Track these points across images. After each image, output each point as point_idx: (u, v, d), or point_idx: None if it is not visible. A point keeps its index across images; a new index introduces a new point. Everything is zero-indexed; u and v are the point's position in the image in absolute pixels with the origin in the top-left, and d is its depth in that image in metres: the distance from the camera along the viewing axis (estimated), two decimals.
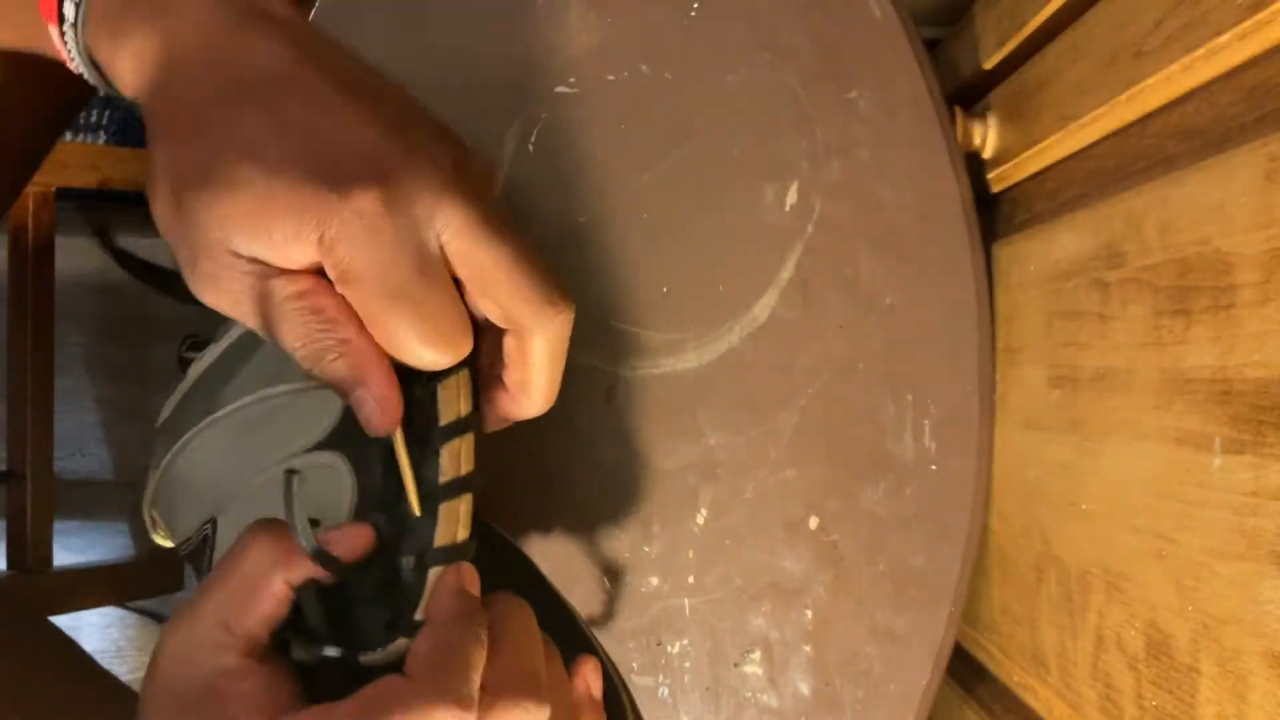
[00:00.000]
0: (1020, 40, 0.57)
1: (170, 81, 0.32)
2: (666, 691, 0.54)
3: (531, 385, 0.36)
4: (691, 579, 0.54)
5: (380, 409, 0.32)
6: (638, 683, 0.54)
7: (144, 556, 1.20)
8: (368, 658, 0.32)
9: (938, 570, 0.55)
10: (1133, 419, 0.43)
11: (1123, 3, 0.46)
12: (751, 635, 0.54)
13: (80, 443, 1.19)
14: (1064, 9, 0.51)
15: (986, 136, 0.60)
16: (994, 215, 0.61)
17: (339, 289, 0.31)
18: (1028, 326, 0.55)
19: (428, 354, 0.32)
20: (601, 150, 0.52)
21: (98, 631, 1.20)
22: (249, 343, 0.42)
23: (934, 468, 0.55)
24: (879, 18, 0.54)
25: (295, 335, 0.31)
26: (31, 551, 0.98)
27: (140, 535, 1.20)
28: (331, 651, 0.32)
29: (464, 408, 0.34)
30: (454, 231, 0.31)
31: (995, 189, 0.61)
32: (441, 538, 0.32)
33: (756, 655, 0.54)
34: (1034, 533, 0.53)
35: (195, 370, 0.43)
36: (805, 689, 0.54)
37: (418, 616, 0.31)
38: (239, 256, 0.30)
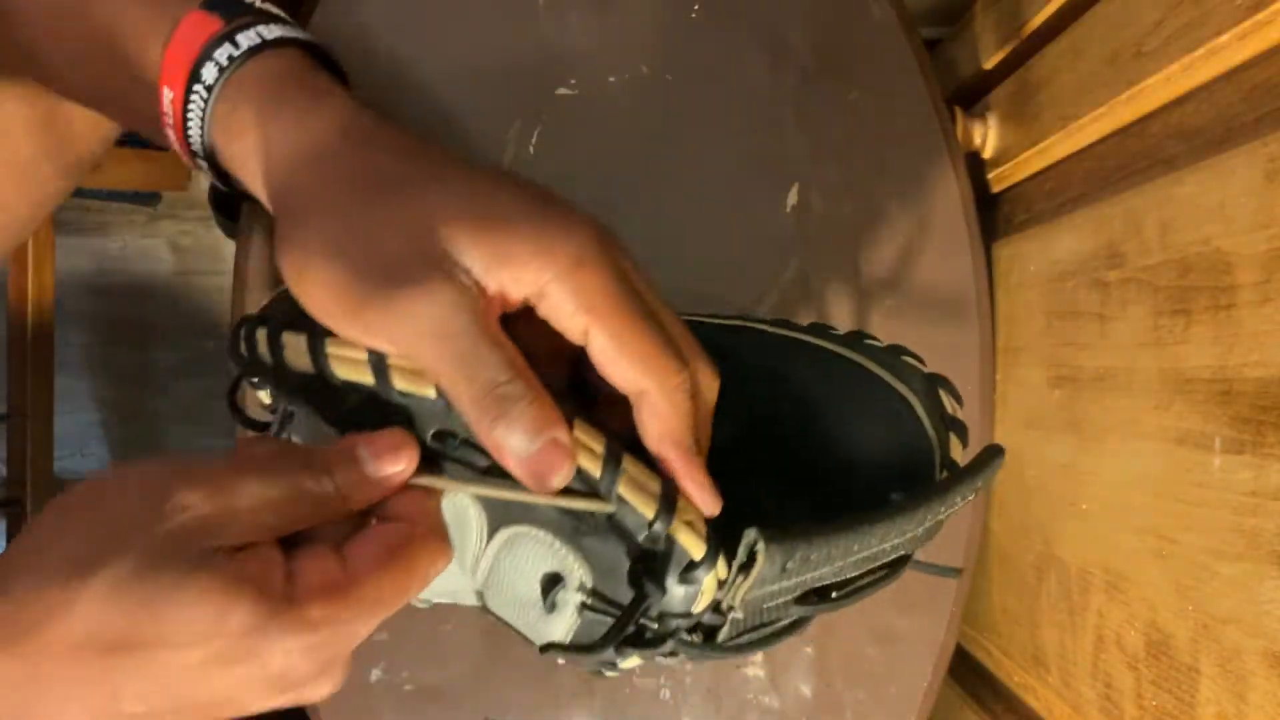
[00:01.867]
0: (1020, 40, 0.57)
1: (322, 158, 0.32)
2: (668, 693, 0.54)
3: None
4: None
5: (566, 451, 0.29)
6: (639, 684, 0.54)
7: None
8: None
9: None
10: (1133, 419, 0.43)
11: (1123, 3, 0.46)
12: None
13: (80, 443, 1.19)
14: (1064, 9, 0.51)
15: (986, 136, 0.60)
16: (994, 215, 0.61)
17: (575, 319, 0.30)
18: (1028, 326, 0.55)
19: (666, 372, 0.30)
20: (602, 152, 0.52)
21: None
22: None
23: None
24: (879, 18, 0.54)
25: (485, 377, 0.29)
26: None
27: None
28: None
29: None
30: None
31: (995, 189, 0.61)
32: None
33: (758, 657, 0.54)
34: (1034, 533, 0.53)
35: None
36: (806, 690, 0.54)
37: None
38: (454, 264, 0.29)
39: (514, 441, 0.29)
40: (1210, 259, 0.38)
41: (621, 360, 0.30)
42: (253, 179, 0.33)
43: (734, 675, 0.54)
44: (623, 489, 0.30)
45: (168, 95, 0.33)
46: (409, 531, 0.29)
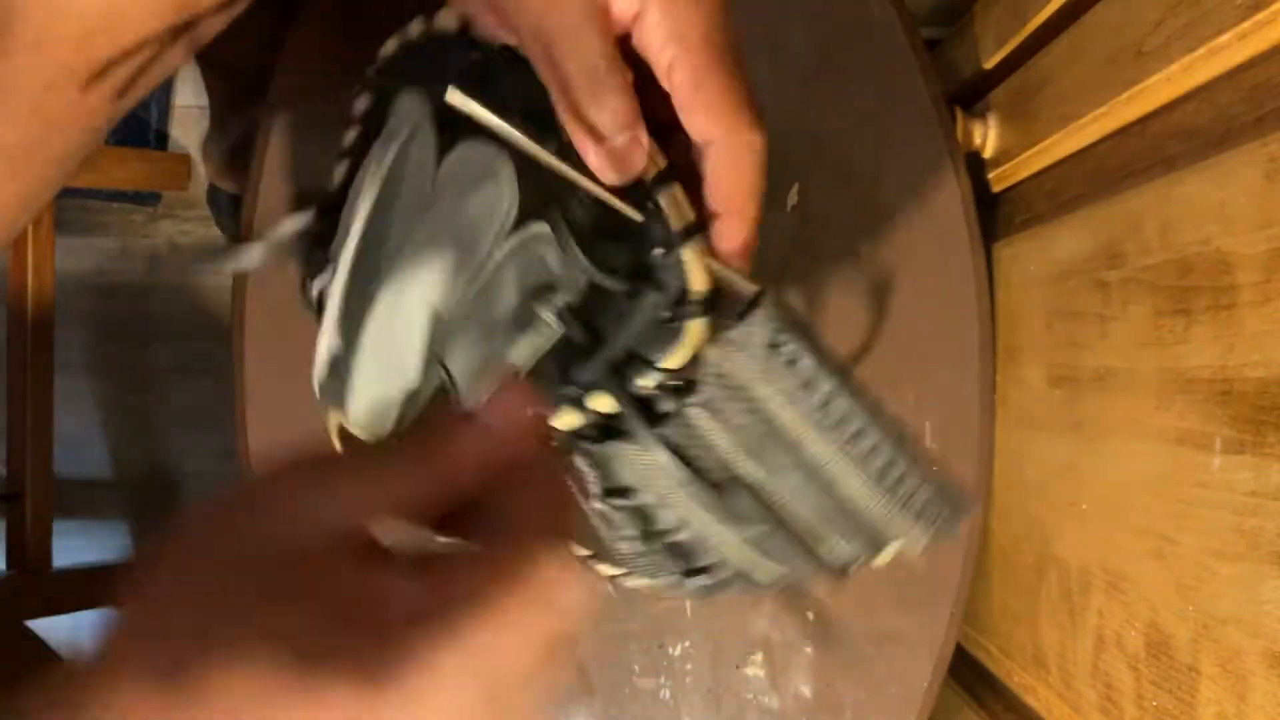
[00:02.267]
0: (1020, 40, 0.57)
1: None
2: (668, 693, 0.54)
3: (734, 201, 0.35)
4: None
5: (644, 149, 0.31)
6: (640, 685, 0.54)
7: None
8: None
9: (938, 571, 0.55)
10: (1133, 419, 0.43)
11: (1123, 3, 0.46)
12: (753, 637, 0.54)
13: (80, 443, 1.19)
14: (1064, 9, 0.51)
15: (986, 136, 0.60)
16: (994, 215, 0.61)
17: (664, 49, 0.30)
18: (1028, 326, 0.55)
19: (741, 122, 0.31)
20: None
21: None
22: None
23: (934, 468, 0.55)
24: (879, 18, 0.54)
25: (593, 49, 0.30)
26: (31, 551, 0.98)
27: (140, 535, 1.20)
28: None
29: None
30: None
31: (995, 189, 0.61)
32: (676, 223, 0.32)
33: (758, 657, 0.54)
34: (1034, 533, 0.53)
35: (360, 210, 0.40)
36: (806, 690, 0.54)
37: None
38: None
39: (604, 122, 0.30)
40: (1210, 259, 0.38)
41: (696, 100, 0.31)
42: None
43: (734, 675, 0.54)
44: (663, 200, 0.32)
45: None
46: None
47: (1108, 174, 0.48)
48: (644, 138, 0.31)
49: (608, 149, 0.31)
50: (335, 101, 0.51)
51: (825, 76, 0.54)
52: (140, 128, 1.15)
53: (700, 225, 0.32)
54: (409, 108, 0.38)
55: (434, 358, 0.38)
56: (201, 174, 1.15)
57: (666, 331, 0.33)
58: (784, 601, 0.54)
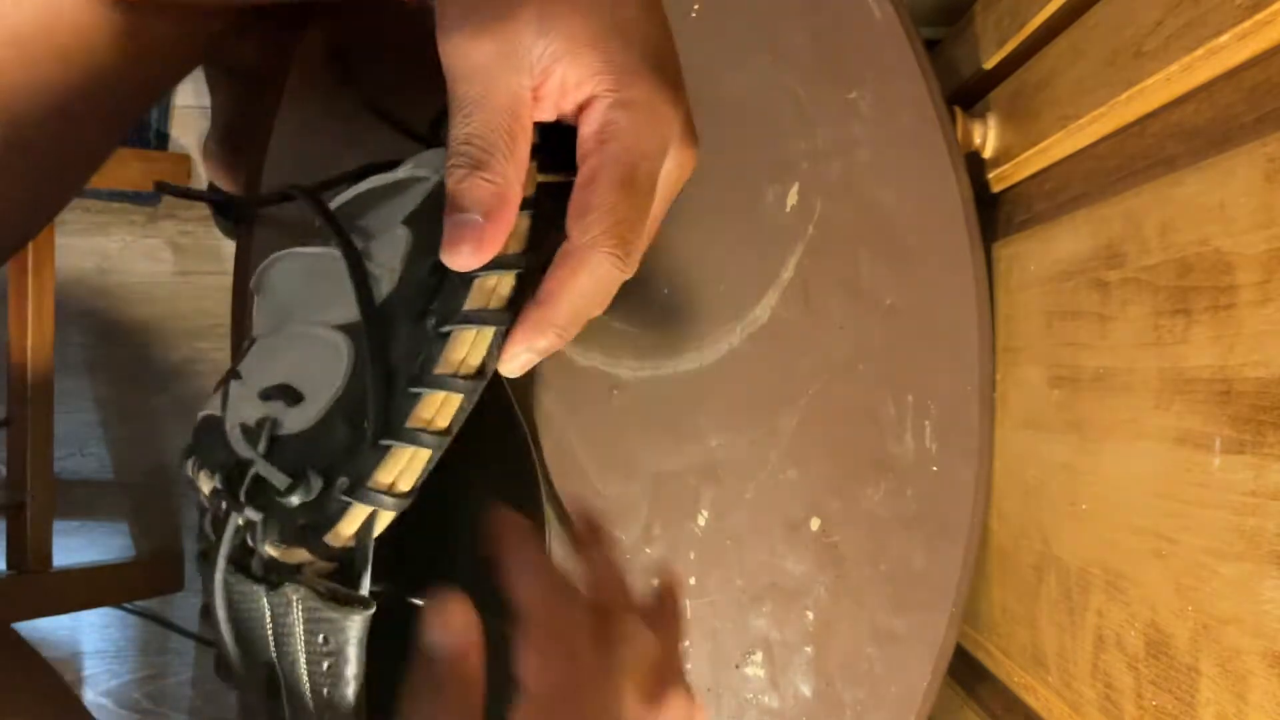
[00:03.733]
0: (1020, 40, 0.57)
1: None
2: None
3: (559, 297, 0.35)
4: (692, 580, 0.54)
5: (481, 245, 0.31)
6: None
7: (144, 556, 1.20)
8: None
9: (938, 571, 0.55)
10: (1133, 419, 0.43)
11: (1123, 3, 0.46)
12: (753, 636, 0.54)
13: (80, 443, 1.19)
14: (1064, 9, 0.51)
15: (986, 136, 0.60)
16: (994, 215, 0.61)
17: (593, 141, 0.31)
18: (1028, 326, 0.55)
19: (619, 246, 0.32)
20: None
21: (97, 631, 1.20)
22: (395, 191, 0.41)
23: (935, 469, 0.55)
24: (879, 18, 0.54)
25: (488, 131, 0.31)
26: (31, 551, 0.98)
27: (140, 535, 1.20)
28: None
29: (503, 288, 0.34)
30: (676, 165, 0.34)
31: (995, 189, 0.61)
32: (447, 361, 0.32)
33: (758, 656, 0.54)
34: (1034, 533, 0.53)
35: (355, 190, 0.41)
36: (806, 690, 0.54)
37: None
38: (528, 43, 0.31)
39: (458, 197, 0.31)
40: (1210, 259, 0.38)
41: (585, 203, 0.32)
42: None
43: (734, 675, 0.54)
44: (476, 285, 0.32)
45: None
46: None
47: (1107, 174, 0.48)
48: (488, 232, 0.31)
49: (452, 221, 0.31)
50: (340, 100, 0.51)
51: (825, 76, 0.54)
52: (140, 128, 1.15)
53: (497, 320, 0.33)
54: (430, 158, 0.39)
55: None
56: (202, 174, 1.15)
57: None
58: (784, 601, 0.54)
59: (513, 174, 0.31)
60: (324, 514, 0.31)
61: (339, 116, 0.51)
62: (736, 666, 0.54)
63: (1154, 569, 0.41)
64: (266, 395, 0.35)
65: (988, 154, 0.61)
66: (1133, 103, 0.45)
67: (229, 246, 1.19)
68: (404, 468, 0.32)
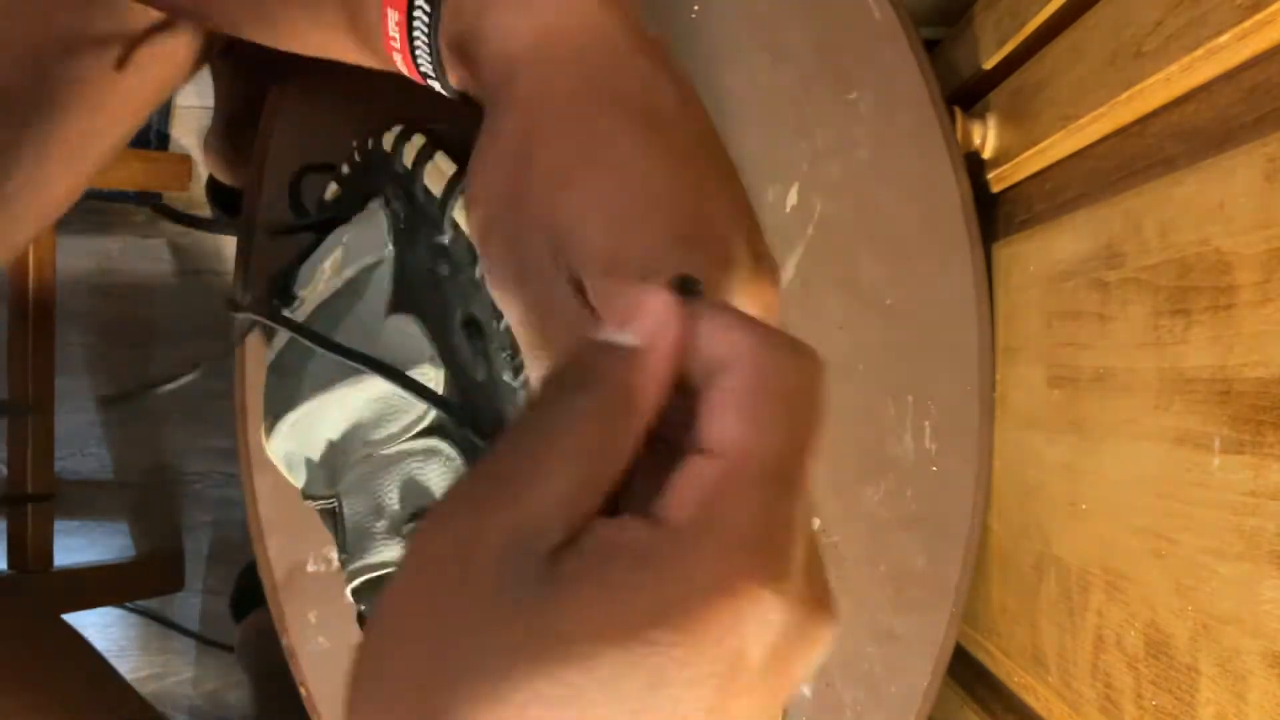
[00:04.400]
0: (1020, 40, 0.57)
1: (540, 66, 0.30)
2: None
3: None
4: None
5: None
6: None
7: (144, 556, 1.20)
8: None
9: (938, 571, 0.55)
10: (1133, 419, 0.43)
11: (1123, 3, 0.46)
12: None
13: (80, 443, 1.19)
14: (1064, 9, 0.51)
15: (986, 137, 0.60)
16: (994, 215, 0.61)
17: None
18: (1028, 326, 0.55)
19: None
20: None
21: (98, 631, 1.20)
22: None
23: (934, 469, 0.55)
24: (879, 18, 0.54)
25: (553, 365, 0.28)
26: (31, 551, 0.98)
27: (140, 535, 1.20)
28: None
29: None
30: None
31: (995, 189, 0.61)
32: None
33: None
34: (1034, 533, 0.53)
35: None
36: (806, 690, 0.54)
37: None
38: (557, 257, 0.28)
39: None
40: (1210, 259, 0.38)
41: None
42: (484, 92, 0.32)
43: None
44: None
45: (393, 18, 0.33)
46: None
47: (1107, 174, 0.48)
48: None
49: None
50: (342, 88, 0.52)
51: (825, 76, 0.54)
52: (141, 128, 1.15)
53: None
54: (372, 236, 0.39)
55: (330, 470, 0.40)
56: (202, 173, 1.15)
57: None
58: None
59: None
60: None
61: (340, 108, 0.51)
62: None
63: (1154, 569, 0.41)
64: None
65: (987, 154, 0.61)
66: (1133, 103, 0.45)
67: (229, 246, 1.19)
68: None
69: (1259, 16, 0.35)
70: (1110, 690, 0.44)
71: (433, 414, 0.37)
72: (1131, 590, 0.43)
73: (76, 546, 1.19)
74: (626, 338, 0.22)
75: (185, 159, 1.16)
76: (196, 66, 0.51)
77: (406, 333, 0.37)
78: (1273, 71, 0.36)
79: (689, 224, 0.29)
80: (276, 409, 0.40)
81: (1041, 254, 0.54)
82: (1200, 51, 0.39)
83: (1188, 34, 0.40)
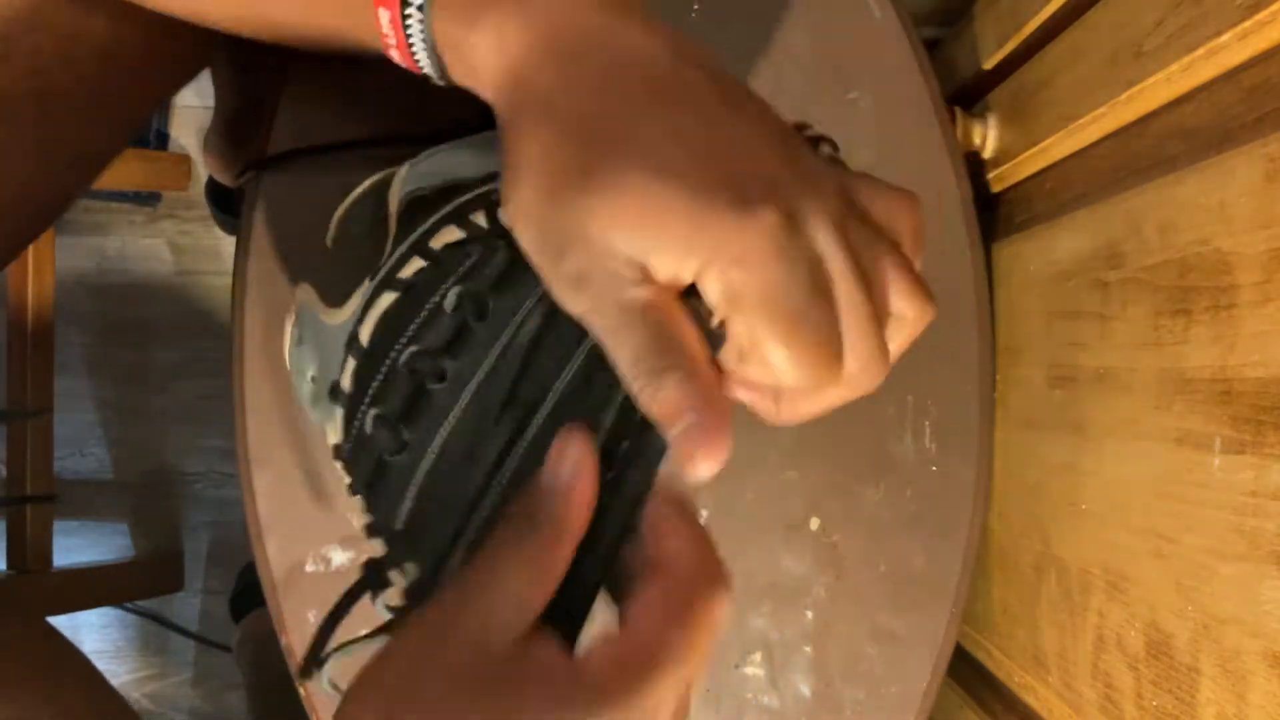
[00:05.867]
0: (1020, 40, 0.57)
1: (543, 68, 0.30)
2: None
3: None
4: None
5: (712, 443, 0.29)
6: None
7: (143, 557, 1.20)
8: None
9: (938, 571, 0.55)
10: (1133, 419, 0.43)
11: (1123, 3, 0.46)
12: (752, 636, 0.54)
13: (80, 443, 1.19)
14: (1064, 9, 0.51)
15: (986, 136, 0.60)
16: (994, 215, 0.61)
17: (723, 311, 0.29)
18: (1028, 326, 0.55)
19: (805, 376, 0.30)
20: None
21: (97, 631, 1.20)
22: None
23: (934, 469, 0.55)
24: (879, 18, 0.54)
25: (642, 348, 0.29)
26: (31, 551, 0.98)
27: (140, 535, 1.20)
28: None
29: None
30: (842, 263, 0.30)
31: (995, 189, 0.61)
32: None
33: (757, 656, 0.54)
34: (1034, 533, 0.53)
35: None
36: (806, 690, 0.54)
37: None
38: (614, 258, 0.29)
39: (661, 411, 0.30)
40: (1210, 259, 0.38)
41: (744, 366, 0.31)
42: (485, 89, 0.32)
43: (733, 675, 0.54)
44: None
45: (384, 16, 0.32)
46: (681, 582, 0.30)
47: (1108, 174, 0.48)
48: (712, 418, 0.29)
49: (672, 439, 0.30)
50: (349, 76, 0.51)
51: (825, 76, 0.54)
52: (140, 128, 1.15)
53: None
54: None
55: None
56: (201, 174, 1.15)
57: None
58: (783, 601, 0.54)
59: (687, 359, 0.29)
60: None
61: (343, 100, 0.51)
62: (736, 666, 0.54)
63: (1154, 569, 0.41)
64: None
65: (988, 154, 0.61)
66: (1133, 103, 0.45)
67: (229, 246, 1.19)
68: None
69: (1259, 16, 0.35)
70: (1111, 690, 0.44)
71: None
72: (1132, 590, 0.43)
73: (76, 547, 1.19)
74: (560, 478, 0.30)
75: (185, 159, 1.16)
76: (197, 67, 0.51)
77: None
78: (1273, 71, 0.36)
79: (734, 184, 0.29)
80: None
81: (1042, 254, 0.54)
82: (1200, 51, 0.39)
83: (1188, 34, 0.40)
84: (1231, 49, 0.38)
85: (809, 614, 0.54)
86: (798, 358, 0.30)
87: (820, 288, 0.30)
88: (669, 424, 0.30)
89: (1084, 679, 0.47)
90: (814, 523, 0.54)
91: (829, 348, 0.30)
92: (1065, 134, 0.51)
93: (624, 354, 0.30)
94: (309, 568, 0.51)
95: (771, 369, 0.30)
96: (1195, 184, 0.39)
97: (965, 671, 0.62)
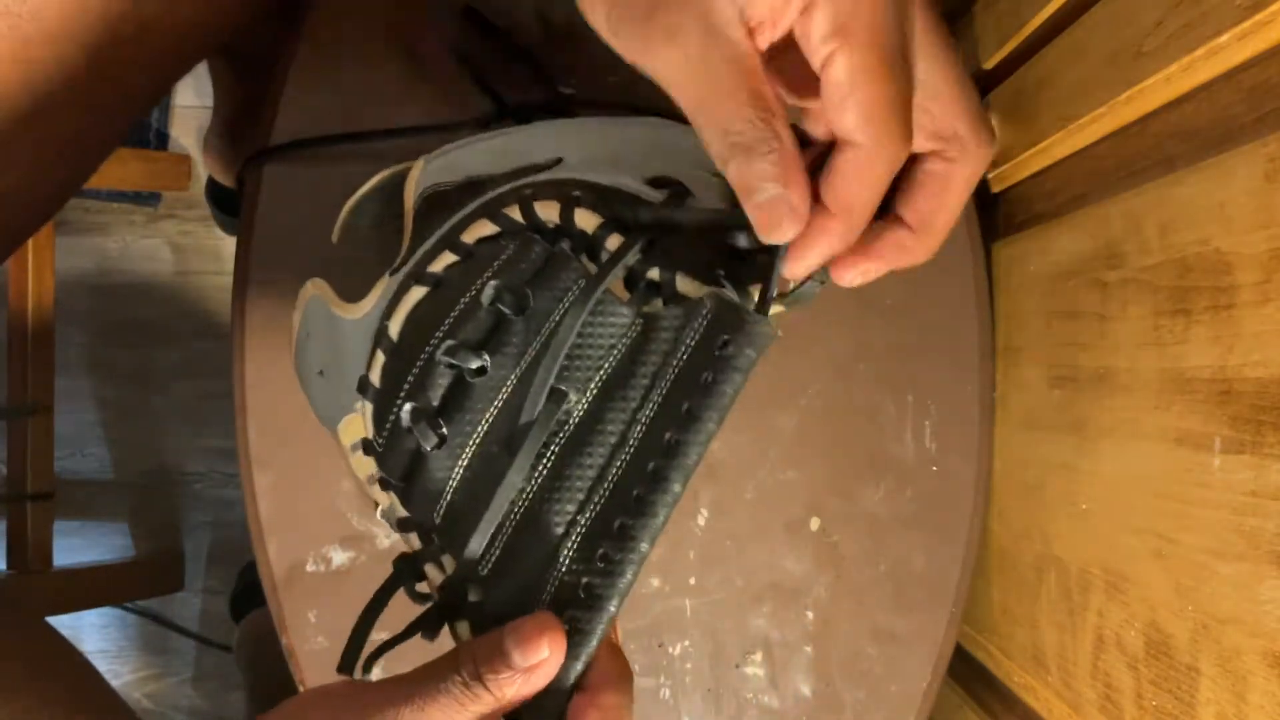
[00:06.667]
0: (1020, 40, 0.57)
1: None
2: (668, 693, 0.54)
3: (939, 222, 0.34)
4: (693, 580, 0.54)
5: (795, 214, 0.29)
6: (640, 684, 0.54)
7: (143, 556, 1.20)
8: None
9: (938, 571, 0.55)
10: (1133, 419, 0.43)
11: (1123, 3, 0.46)
12: (753, 636, 0.54)
13: (80, 442, 1.19)
14: (1064, 9, 0.51)
15: None
16: (994, 215, 0.61)
17: (825, 42, 0.28)
18: (1028, 326, 0.55)
19: (886, 130, 0.29)
20: None
21: (97, 631, 1.20)
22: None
23: (934, 468, 0.55)
24: None
25: (738, 114, 0.29)
26: (31, 551, 0.98)
27: (140, 535, 1.20)
28: None
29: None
30: (927, 26, 0.30)
31: (995, 189, 0.61)
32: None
33: (758, 656, 0.54)
34: (1034, 533, 0.53)
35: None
36: (806, 690, 0.54)
37: None
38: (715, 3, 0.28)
39: (746, 183, 0.29)
40: (1210, 259, 0.38)
41: (850, 101, 0.29)
42: None
43: (734, 675, 0.54)
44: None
45: None
46: None
47: (1107, 174, 0.48)
48: (795, 199, 0.29)
49: (754, 205, 0.30)
50: (343, 80, 0.51)
51: None
52: (140, 128, 1.15)
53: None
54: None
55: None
56: (201, 174, 1.15)
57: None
58: (784, 601, 0.54)
59: (779, 130, 0.29)
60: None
61: (347, 94, 0.51)
62: (736, 666, 0.54)
63: (1154, 569, 0.41)
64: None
65: None
66: (1133, 103, 0.45)
67: (229, 246, 1.19)
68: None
69: (1259, 16, 0.35)
70: (1110, 690, 0.44)
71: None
72: (1132, 590, 0.43)
73: (76, 546, 1.19)
74: (515, 659, 0.30)
75: (185, 159, 1.16)
76: (192, 62, 0.51)
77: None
78: (1273, 71, 0.36)
79: None
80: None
81: (1041, 254, 0.54)
82: (1200, 51, 0.39)
83: (1188, 34, 0.40)
84: (1231, 49, 0.38)
85: (809, 614, 0.54)
86: (891, 100, 0.29)
87: (909, 38, 0.30)
88: (751, 194, 0.30)
89: (1084, 679, 0.47)
90: (814, 523, 0.54)
91: (910, 109, 0.30)
92: (1065, 134, 0.51)
93: (715, 125, 0.29)
94: (310, 568, 0.51)
95: (855, 117, 0.29)
96: (1195, 184, 0.39)
97: (965, 671, 0.62)
